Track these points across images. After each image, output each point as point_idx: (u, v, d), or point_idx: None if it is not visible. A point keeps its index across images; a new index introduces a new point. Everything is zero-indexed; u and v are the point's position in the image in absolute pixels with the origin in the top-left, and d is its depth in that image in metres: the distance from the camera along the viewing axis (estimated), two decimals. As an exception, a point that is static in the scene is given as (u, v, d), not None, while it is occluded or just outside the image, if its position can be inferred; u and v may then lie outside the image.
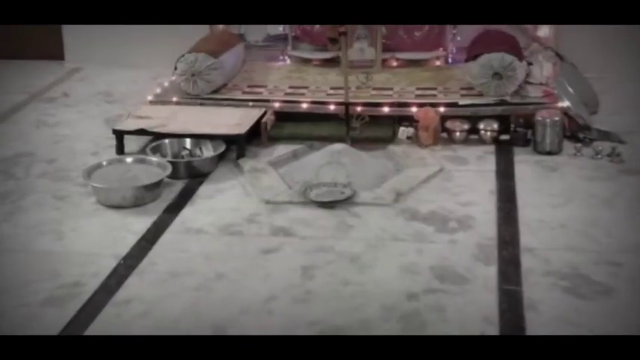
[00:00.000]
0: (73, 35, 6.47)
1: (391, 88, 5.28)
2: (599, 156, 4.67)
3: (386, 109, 5.02)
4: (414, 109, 4.94)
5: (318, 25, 5.66)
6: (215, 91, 5.24)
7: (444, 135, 4.93)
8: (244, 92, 5.28)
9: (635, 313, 3.30)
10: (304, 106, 5.08)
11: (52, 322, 3.27)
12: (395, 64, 5.68)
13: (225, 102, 5.16)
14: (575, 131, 4.89)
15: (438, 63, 5.72)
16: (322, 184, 4.30)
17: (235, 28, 5.92)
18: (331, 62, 5.59)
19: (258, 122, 4.88)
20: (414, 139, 4.88)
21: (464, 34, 5.72)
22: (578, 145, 4.79)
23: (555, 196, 4.27)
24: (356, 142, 4.72)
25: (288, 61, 5.83)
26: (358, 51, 5.42)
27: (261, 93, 5.26)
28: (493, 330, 3.19)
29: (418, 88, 5.26)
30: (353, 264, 3.67)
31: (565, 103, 4.95)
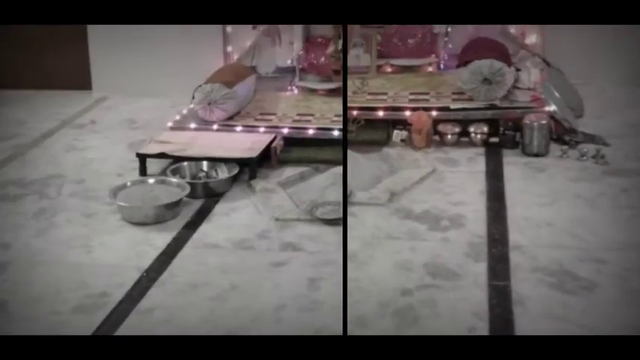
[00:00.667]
0: (100, 67, 6.48)
1: (386, 93, 5.24)
2: (585, 158, 4.62)
3: (381, 113, 4.98)
4: (407, 113, 4.91)
5: (323, 59, 5.67)
6: (229, 118, 5.25)
7: (436, 138, 4.89)
8: (256, 119, 5.30)
9: (618, 308, 3.28)
10: (310, 132, 5.08)
11: (81, 329, 3.29)
12: (389, 70, 5.64)
13: (239, 128, 5.18)
14: (561, 134, 4.85)
15: (430, 69, 5.67)
16: (327, 202, 4.30)
17: (247, 61, 5.97)
18: (336, 92, 5.56)
19: (268, 147, 4.90)
20: (407, 142, 4.84)
21: (455, 41, 5.66)
22: (565, 147, 4.74)
23: (542, 196, 4.22)
24: (352, 144, 4.67)
25: (296, 91, 5.81)
26: (354, 58, 5.36)
27: (271, 120, 5.27)
28: (483, 324, 3.16)
29: (411, 93, 5.23)
30: (350, 261, 3.61)
31: (552, 108, 4.90)
